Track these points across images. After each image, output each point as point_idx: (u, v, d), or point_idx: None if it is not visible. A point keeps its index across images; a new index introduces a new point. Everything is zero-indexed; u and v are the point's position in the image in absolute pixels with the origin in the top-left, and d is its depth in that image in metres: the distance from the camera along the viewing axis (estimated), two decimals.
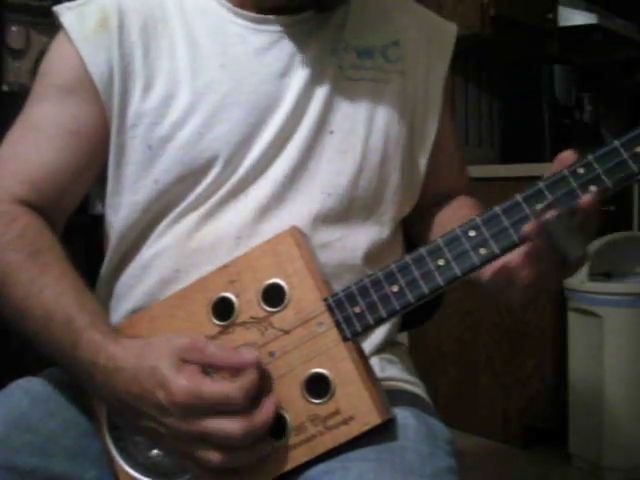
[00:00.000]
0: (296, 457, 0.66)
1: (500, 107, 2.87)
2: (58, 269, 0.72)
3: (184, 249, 0.77)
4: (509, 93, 2.81)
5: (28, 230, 0.74)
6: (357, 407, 0.65)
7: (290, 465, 0.66)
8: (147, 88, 0.78)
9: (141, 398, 0.64)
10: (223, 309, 0.69)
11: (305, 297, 0.68)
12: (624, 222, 2.57)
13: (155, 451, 0.69)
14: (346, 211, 0.80)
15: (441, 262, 0.65)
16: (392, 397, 0.71)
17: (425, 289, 0.65)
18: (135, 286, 0.79)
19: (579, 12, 2.81)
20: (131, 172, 0.79)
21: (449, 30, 0.93)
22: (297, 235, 0.70)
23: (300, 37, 0.81)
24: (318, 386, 0.66)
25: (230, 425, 0.61)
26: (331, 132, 0.80)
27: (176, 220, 0.78)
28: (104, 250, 0.83)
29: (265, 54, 0.80)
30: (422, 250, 0.66)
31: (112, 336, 0.67)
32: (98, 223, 0.86)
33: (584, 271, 2.08)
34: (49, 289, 0.70)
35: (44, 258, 0.72)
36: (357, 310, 0.66)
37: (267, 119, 0.78)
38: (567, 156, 0.64)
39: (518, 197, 0.64)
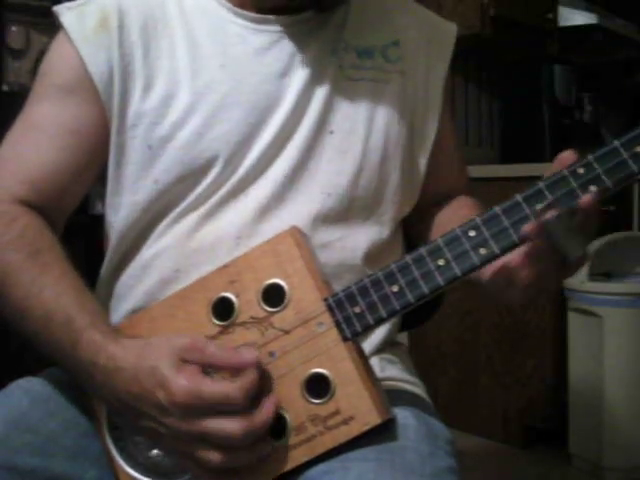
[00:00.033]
0: (296, 457, 0.66)
1: (500, 107, 2.87)
2: (58, 269, 0.72)
3: (184, 249, 0.77)
4: (509, 93, 2.81)
5: (28, 230, 0.74)
6: (357, 407, 0.65)
7: (290, 465, 0.66)
8: (147, 88, 0.78)
9: (141, 398, 0.64)
10: (223, 309, 0.69)
11: (305, 297, 0.68)
12: (624, 222, 2.57)
13: (155, 451, 0.69)
14: (346, 211, 0.80)
15: (441, 262, 0.65)
16: (392, 397, 0.71)
17: (425, 289, 0.65)
18: (135, 286, 0.79)
19: (579, 12, 2.81)
20: (131, 172, 0.79)
21: (449, 30, 0.93)
22: (297, 235, 0.70)
23: (300, 37, 0.81)
24: (318, 386, 0.66)
25: (230, 425, 0.61)
26: (331, 132, 0.80)
27: (176, 220, 0.78)
28: (104, 250, 0.83)
29: (265, 54, 0.80)
30: (422, 250, 0.66)
31: (112, 336, 0.67)
32: (98, 223, 0.86)
33: (584, 271, 2.08)
34: (49, 289, 0.70)
35: (44, 258, 0.72)
36: (357, 310, 0.66)
37: (267, 119, 0.78)
38: (567, 156, 0.64)
39: (518, 197, 0.64)
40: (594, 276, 2.10)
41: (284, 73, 0.79)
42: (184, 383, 0.61)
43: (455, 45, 0.91)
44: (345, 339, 0.66)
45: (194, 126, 0.77)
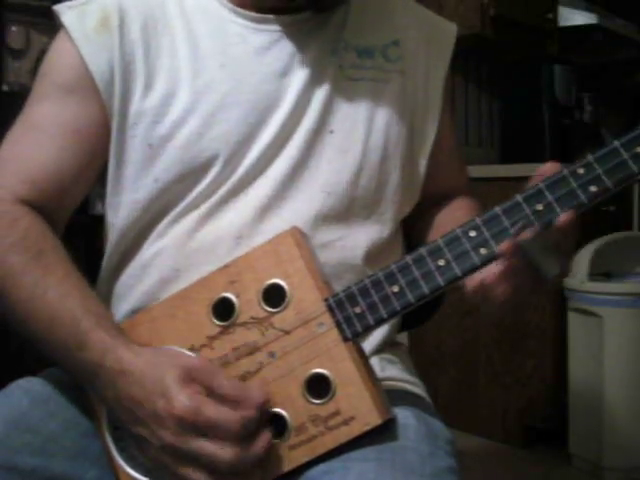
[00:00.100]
0: (296, 457, 0.66)
1: (500, 107, 2.87)
2: (62, 270, 0.72)
3: (184, 248, 0.77)
4: (509, 93, 2.80)
5: (31, 231, 0.74)
6: (358, 407, 0.65)
7: (291, 465, 0.66)
8: (147, 87, 0.78)
9: (140, 404, 0.64)
10: (224, 309, 0.69)
11: (306, 297, 0.68)
12: (624, 222, 2.58)
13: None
14: (346, 210, 0.80)
15: (441, 262, 0.65)
16: (392, 397, 0.71)
17: (425, 289, 0.65)
18: (135, 286, 0.79)
19: (579, 12, 2.81)
20: (131, 171, 0.79)
21: (449, 30, 0.93)
22: (297, 235, 0.70)
23: (300, 37, 0.81)
24: (319, 386, 0.66)
25: (221, 450, 0.61)
26: (331, 131, 0.80)
27: (176, 219, 0.78)
28: (104, 250, 0.83)
29: (265, 54, 0.80)
30: (422, 250, 0.66)
31: (122, 339, 0.68)
32: (98, 223, 0.86)
33: (584, 271, 2.08)
34: (53, 290, 0.70)
35: (47, 259, 0.72)
36: (357, 310, 0.66)
37: (267, 119, 0.78)
38: (548, 168, 0.64)
39: (518, 197, 0.64)
40: (594, 276, 2.10)
41: (284, 73, 0.79)
42: (186, 398, 0.62)
43: (455, 45, 0.91)
44: (345, 339, 0.66)
45: (194, 125, 0.77)
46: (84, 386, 0.71)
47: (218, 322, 0.69)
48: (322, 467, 0.65)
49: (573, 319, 2.13)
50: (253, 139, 0.78)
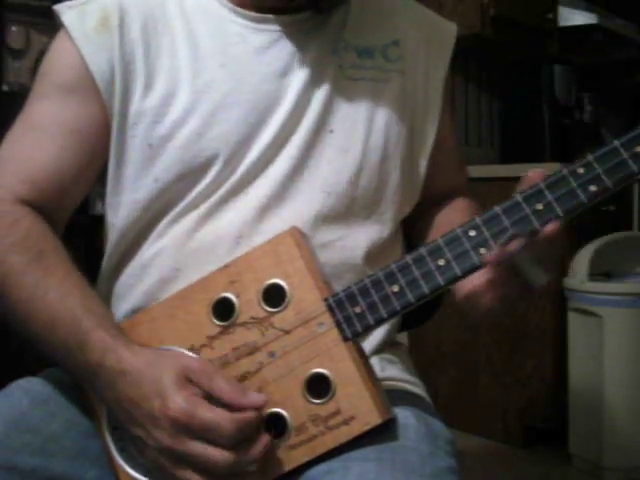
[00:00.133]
0: (297, 457, 0.66)
1: (500, 107, 2.87)
2: (62, 270, 0.72)
3: (184, 248, 0.77)
4: (509, 93, 2.80)
5: (32, 232, 0.74)
6: (358, 407, 0.65)
7: (291, 465, 0.66)
8: (148, 87, 0.78)
9: (137, 404, 0.64)
10: (223, 309, 0.69)
11: (305, 297, 0.68)
12: (624, 222, 2.58)
13: None
14: (346, 210, 0.80)
15: (441, 262, 0.65)
16: (392, 397, 0.71)
17: (425, 289, 0.65)
18: (135, 285, 0.79)
19: (579, 12, 2.81)
20: (131, 171, 0.79)
21: (449, 30, 0.93)
22: (297, 235, 0.70)
23: (300, 36, 0.81)
24: (319, 386, 0.66)
25: (216, 453, 0.61)
26: (331, 131, 0.80)
27: (176, 219, 0.78)
28: (104, 250, 0.83)
29: (265, 53, 0.80)
30: (422, 250, 0.66)
31: (123, 340, 0.68)
32: (98, 223, 0.86)
33: (584, 271, 2.08)
34: (54, 291, 0.70)
35: (48, 260, 0.72)
36: (357, 310, 0.66)
37: (267, 119, 0.78)
38: (534, 175, 0.65)
39: (518, 197, 0.64)
40: (594, 276, 2.10)
41: (284, 72, 0.79)
42: (181, 399, 0.62)
43: (455, 45, 0.91)
44: (345, 339, 0.66)
45: (194, 125, 0.77)
46: (84, 386, 0.71)
47: (218, 322, 0.69)
48: (322, 467, 0.65)
49: (573, 319, 2.13)
50: (253, 139, 0.78)
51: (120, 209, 0.80)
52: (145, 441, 0.64)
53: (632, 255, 2.27)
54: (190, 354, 0.69)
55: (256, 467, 0.64)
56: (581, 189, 0.63)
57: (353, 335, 0.67)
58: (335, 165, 0.79)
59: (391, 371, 0.82)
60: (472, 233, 0.65)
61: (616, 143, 0.62)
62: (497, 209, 0.65)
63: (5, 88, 1.78)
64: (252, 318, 0.69)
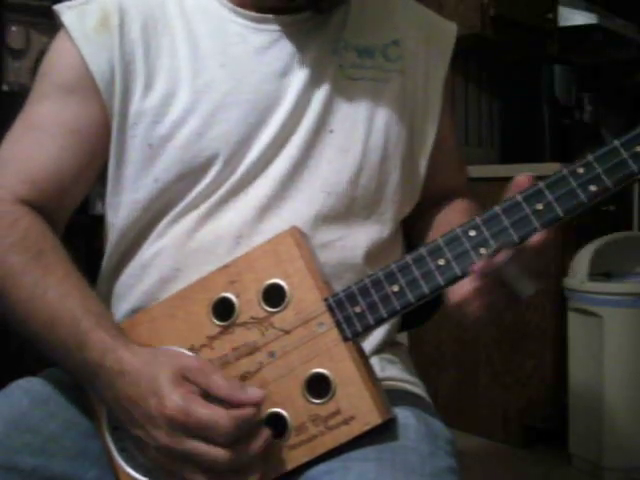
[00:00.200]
0: (297, 457, 0.66)
1: (500, 107, 2.87)
2: (62, 270, 0.72)
3: (184, 248, 0.77)
4: (509, 93, 2.80)
5: (31, 232, 0.74)
6: (358, 407, 0.65)
7: (291, 465, 0.66)
8: (148, 87, 0.78)
9: (135, 404, 0.64)
10: (223, 309, 0.69)
11: (305, 297, 0.68)
12: (624, 222, 2.58)
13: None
14: (346, 210, 0.80)
15: (441, 262, 0.65)
16: (392, 397, 0.71)
17: (425, 289, 0.65)
18: (135, 285, 0.79)
19: (579, 12, 2.81)
20: (131, 171, 0.79)
21: (449, 29, 0.93)
22: (297, 235, 0.70)
23: (300, 36, 0.81)
24: (319, 386, 0.66)
25: (215, 451, 0.61)
26: (331, 131, 0.80)
27: (176, 219, 0.78)
28: (104, 250, 0.83)
29: (265, 53, 0.80)
30: (422, 250, 0.66)
31: (122, 340, 0.68)
32: (98, 223, 0.86)
33: (584, 271, 2.08)
34: (53, 290, 0.70)
35: (47, 260, 0.72)
36: (357, 310, 0.66)
37: (267, 119, 0.78)
38: (522, 179, 0.65)
39: (518, 197, 0.64)
40: (594, 276, 2.10)
41: (284, 72, 0.79)
42: (178, 397, 0.61)
43: (455, 45, 0.91)
44: (345, 339, 0.66)
45: (194, 125, 0.77)
46: (84, 386, 0.71)
47: (218, 322, 0.69)
48: (322, 467, 0.65)
49: (573, 319, 2.13)
50: (253, 139, 0.78)
51: (120, 209, 0.80)
52: (144, 440, 0.64)
53: (632, 255, 2.27)
54: (189, 353, 0.69)
55: (257, 462, 0.63)
56: (581, 189, 0.63)
57: (353, 335, 0.67)
58: (335, 165, 0.79)
59: (391, 371, 0.82)
60: (472, 233, 0.65)
61: (616, 143, 0.62)
62: (497, 209, 0.65)
63: (5, 88, 1.78)
64: (252, 318, 0.68)
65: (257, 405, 0.63)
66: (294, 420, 0.66)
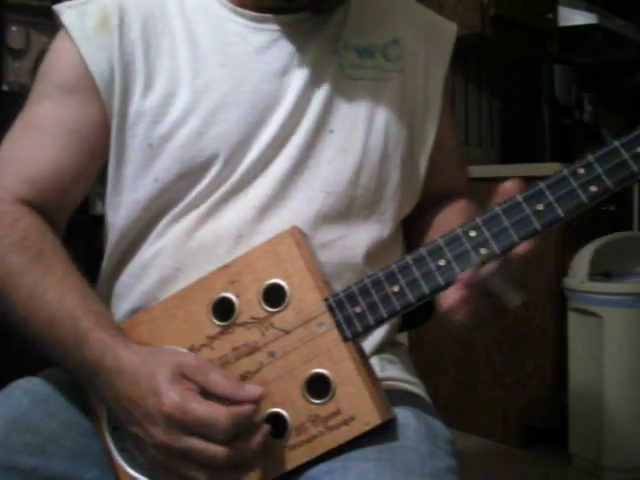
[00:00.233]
0: (296, 457, 0.66)
1: (500, 107, 2.87)
2: (62, 270, 0.72)
3: (184, 248, 0.77)
4: (509, 93, 2.80)
5: (31, 232, 0.74)
6: (358, 407, 0.65)
7: (290, 465, 0.66)
8: (147, 87, 0.78)
9: (134, 402, 0.64)
10: (223, 309, 0.69)
11: (306, 297, 0.68)
12: (624, 222, 2.58)
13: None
14: (347, 210, 0.80)
15: (442, 262, 0.65)
16: (392, 397, 0.71)
17: (426, 289, 0.65)
18: (135, 285, 0.79)
19: (579, 12, 2.81)
20: (131, 171, 0.79)
21: (449, 29, 0.93)
22: (297, 235, 0.70)
23: (300, 36, 0.81)
24: (319, 386, 0.66)
25: (212, 448, 0.61)
26: (331, 131, 0.80)
27: (176, 219, 0.78)
28: (104, 250, 0.83)
29: (265, 53, 0.80)
30: (423, 250, 0.66)
31: (121, 339, 0.67)
32: (98, 223, 0.86)
33: (584, 271, 2.08)
34: (53, 290, 0.70)
35: (47, 260, 0.72)
36: (358, 310, 0.66)
37: (267, 118, 0.78)
38: (509, 186, 0.65)
39: (519, 197, 0.64)
40: (594, 276, 2.10)
41: (284, 72, 0.79)
42: (175, 394, 0.61)
43: (455, 45, 0.91)
44: (346, 339, 0.66)
45: (194, 125, 0.77)
46: (84, 386, 0.71)
47: (218, 322, 0.69)
48: (322, 467, 0.65)
49: (573, 319, 2.13)
50: (253, 139, 0.78)
51: (120, 209, 0.80)
52: (142, 439, 0.64)
53: (632, 255, 2.27)
54: (186, 352, 0.69)
55: (256, 459, 0.63)
56: (582, 189, 0.63)
57: (353, 335, 0.67)
58: (335, 165, 0.79)
59: (391, 371, 0.82)
60: (472, 233, 0.65)
61: (617, 143, 0.62)
62: (497, 209, 0.64)
63: (5, 88, 1.78)
64: (252, 318, 0.68)
65: (256, 402, 0.63)
66: (294, 420, 0.66)
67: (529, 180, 0.65)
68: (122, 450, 0.69)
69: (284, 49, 0.80)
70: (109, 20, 0.78)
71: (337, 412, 0.65)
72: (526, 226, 0.63)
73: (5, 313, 0.73)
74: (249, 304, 0.69)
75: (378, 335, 0.82)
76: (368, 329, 0.67)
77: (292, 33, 0.81)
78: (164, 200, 0.78)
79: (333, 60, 0.82)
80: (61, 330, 0.68)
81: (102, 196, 0.83)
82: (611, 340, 2.02)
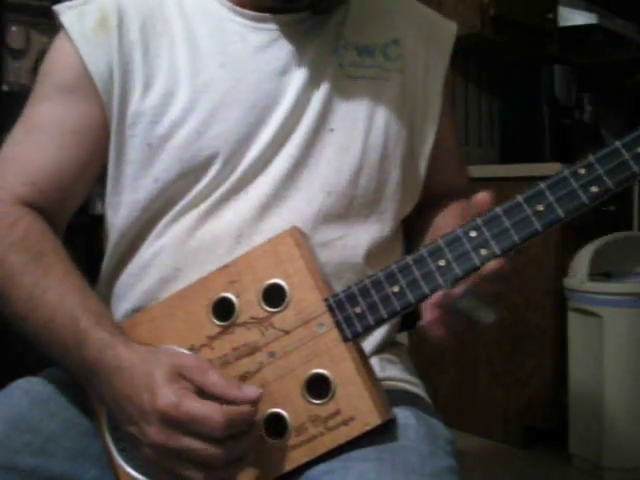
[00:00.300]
0: (296, 457, 0.66)
1: (500, 107, 2.87)
2: (62, 270, 0.72)
3: (184, 247, 0.77)
4: (509, 93, 2.80)
5: (31, 232, 0.74)
6: (358, 407, 0.64)
7: (290, 465, 0.66)
8: (146, 87, 0.78)
9: (129, 399, 0.64)
10: (223, 309, 0.69)
11: (306, 297, 0.67)
12: (624, 222, 2.58)
13: None
14: (347, 209, 0.80)
15: (442, 262, 0.65)
16: (392, 397, 0.71)
17: (426, 289, 0.65)
18: (135, 285, 0.79)
19: (579, 12, 2.81)
20: (131, 171, 0.79)
21: (449, 28, 0.92)
22: (297, 235, 0.70)
23: (300, 35, 0.81)
24: (319, 386, 0.66)
25: (207, 446, 0.60)
26: (331, 130, 0.80)
27: (176, 218, 0.78)
28: (104, 250, 0.83)
29: (265, 52, 0.80)
30: (423, 250, 0.66)
31: (121, 338, 0.67)
32: (98, 223, 0.86)
33: (584, 271, 2.08)
34: (53, 290, 0.70)
35: (47, 260, 0.72)
36: (358, 310, 0.66)
37: (266, 118, 0.78)
38: (482, 197, 0.65)
39: (519, 198, 0.64)
40: (594, 276, 2.10)
41: (284, 71, 0.79)
42: (170, 393, 0.61)
43: (455, 44, 0.91)
44: (345, 339, 0.66)
45: (193, 125, 0.77)
46: (84, 386, 0.71)
47: (218, 322, 0.69)
48: (322, 467, 0.65)
49: (573, 319, 2.13)
50: (253, 138, 0.78)
51: (120, 209, 0.80)
52: (139, 438, 0.64)
53: (632, 255, 2.27)
54: (187, 352, 0.69)
55: (252, 458, 0.63)
56: (582, 190, 0.63)
57: (353, 335, 0.67)
58: (335, 164, 0.79)
59: (391, 371, 0.82)
60: (473, 234, 0.65)
61: (617, 144, 0.62)
62: (498, 210, 0.64)
63: (5, 88, 1.78)
64: (252, 318, 0.68)
65: (253, 403, 0.63)
66: (294, 420, 0.66)
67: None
68: (122, 450, 0.69)
69: (284, 48, 0.80)
70: (108, 20, 0.78)
71: (337, 412, 0.65)
72: (527, 227, 0.63)
73: (5, 313, 0.73)
74: (249, 304, 0.69)
75: (378, 335, 0.82)
76: (368, 329, 0.67)
77: (292, 32, 0.81)
78: (164, 200, 0.78)
79: (333, 59, 0.81)
80: (61, 330, 0.68)
81: (102, 196, 0.83)
82: (611, 340, 2.02)
